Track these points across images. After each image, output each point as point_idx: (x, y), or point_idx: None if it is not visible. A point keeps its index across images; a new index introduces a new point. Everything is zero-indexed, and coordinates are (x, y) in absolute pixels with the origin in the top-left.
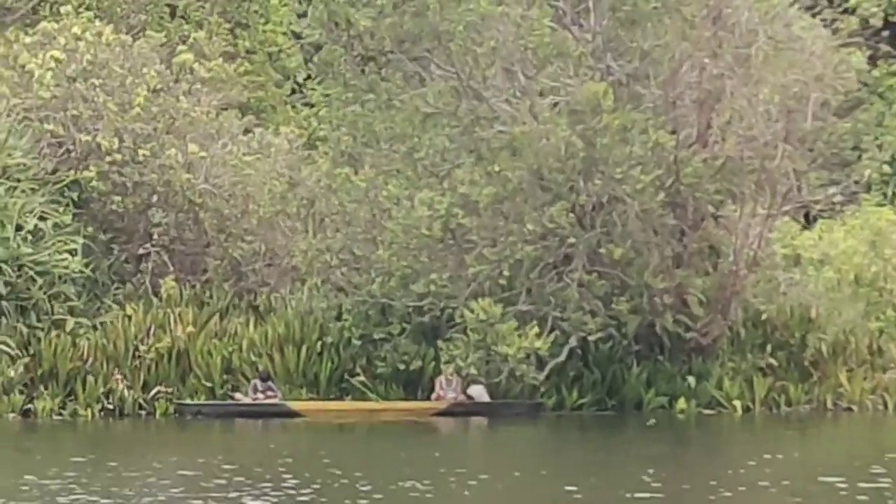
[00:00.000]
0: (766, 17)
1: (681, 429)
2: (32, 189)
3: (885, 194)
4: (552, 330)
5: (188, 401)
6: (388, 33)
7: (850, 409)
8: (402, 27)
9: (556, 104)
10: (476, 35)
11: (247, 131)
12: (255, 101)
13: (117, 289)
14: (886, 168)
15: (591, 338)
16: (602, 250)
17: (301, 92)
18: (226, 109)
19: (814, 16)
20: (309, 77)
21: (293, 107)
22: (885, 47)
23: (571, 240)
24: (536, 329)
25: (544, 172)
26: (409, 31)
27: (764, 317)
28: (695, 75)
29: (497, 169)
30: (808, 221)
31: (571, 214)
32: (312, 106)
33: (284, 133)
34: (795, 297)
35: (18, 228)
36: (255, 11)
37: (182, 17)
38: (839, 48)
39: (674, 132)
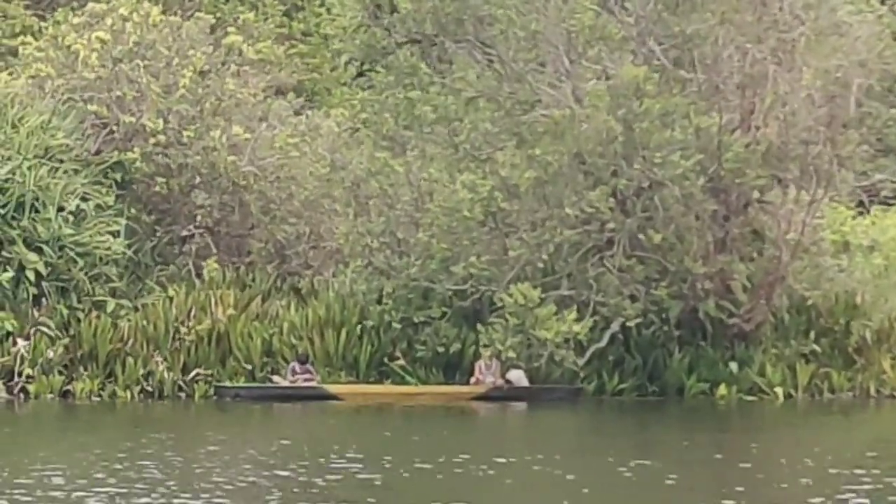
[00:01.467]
0: (810, 2)
1: (720, 415)
2: (75, 170)
3: None
4: (592, 315)
5: (227, 383)
6: (429, 16)
7: (893, 396)
8: (443, 10)
9: (597, 88)
10: (518, 18)
11: (297, 114)
12: (310, 83)
13: (160, 271)
14: None
15: (630, 323)
16: (642, 236)
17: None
18: (278, 93)
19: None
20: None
21: (350, 89)
22: None
23: (611, 224)
24: (575, 314)
25: (585, 157)
26: (451, 15)
27: (809, 303)
28: (738, 60)
29: (538, 153)
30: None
31: (612, 199)
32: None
33: (333, 116)
34: (842, 283)
35: (60, 209)
36: None
37: None
38: (883, 32)
39: (718, 117)
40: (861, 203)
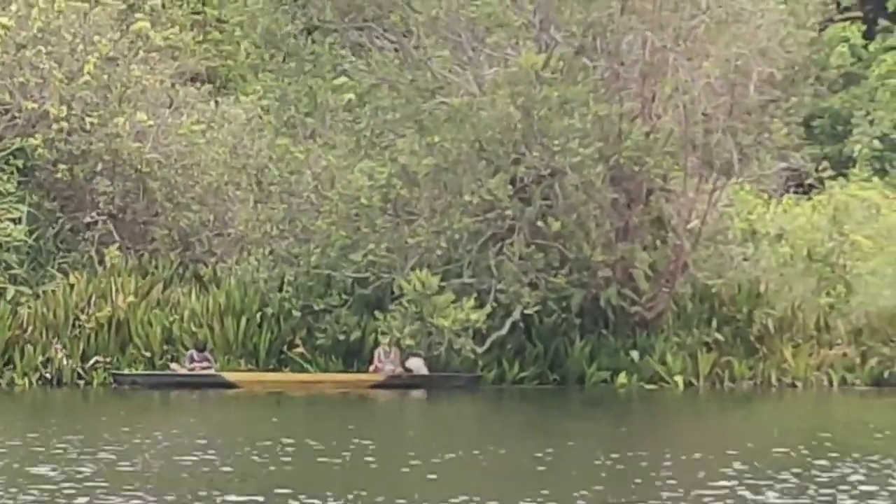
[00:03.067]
0: None
1: (619, 403)
2: None
3: (875, 169)
4: (493, 303)
5: (125, 371)
6: (330, 3)
7: (794, 385)
8: None
9: (497, 76)
10: (416, 4)
11: (208, 101)
12: (224, 69)
13: (62, 258)
14: (877, 143)
15: (528, 311)
16: (541, 223)
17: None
18: (193, 80)
19: None
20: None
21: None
22: (885, 22)
23: (508, 212)
24: (473, 302)
25: (484, 144)
26: (352, 1)
27: (713, 291)
28: (637, 48)
29: (437, 140)
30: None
31: (511, 187)
32: None
33: (242, 103)
34: (747, 271)
35: None
36: None
37: None
38: (785, 20)
39: (617, 105)
40: (775, 191)
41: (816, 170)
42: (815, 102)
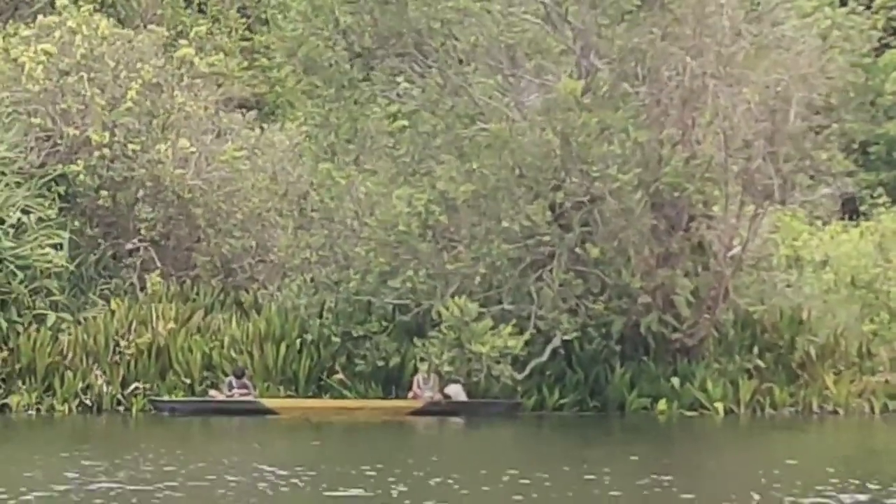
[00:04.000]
0: (750, 16)
1: (659, 430)
2: (17, 183)
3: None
4: (532, 330)
5: (165, 397)
6: (369, 29)
7: (835, 412)
8: (383, 24)
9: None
10: (457, 31)
11: (254, 128)
12: (272, 96)
13: (104, 284)
14: None
15: (567, 337)
16: (580, 250)
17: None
18: (241, 106)
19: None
20: None
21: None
22: None
23: (546, 238)
24: (510, 328)
25: (524, 170)
26: (392, 28)
27: (756, 317)
28: (677, 74)
29: (475, 166)
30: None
31: (550, 213)
32: None
33: (286, 129)
34: (790, 298)
35: (0, 222)
36: (274, 7)
37: (200, 10)
38: (836, 46)
39: (655, 131)
40: (829, 217)
41: (871, 196)
42: (871, 129)
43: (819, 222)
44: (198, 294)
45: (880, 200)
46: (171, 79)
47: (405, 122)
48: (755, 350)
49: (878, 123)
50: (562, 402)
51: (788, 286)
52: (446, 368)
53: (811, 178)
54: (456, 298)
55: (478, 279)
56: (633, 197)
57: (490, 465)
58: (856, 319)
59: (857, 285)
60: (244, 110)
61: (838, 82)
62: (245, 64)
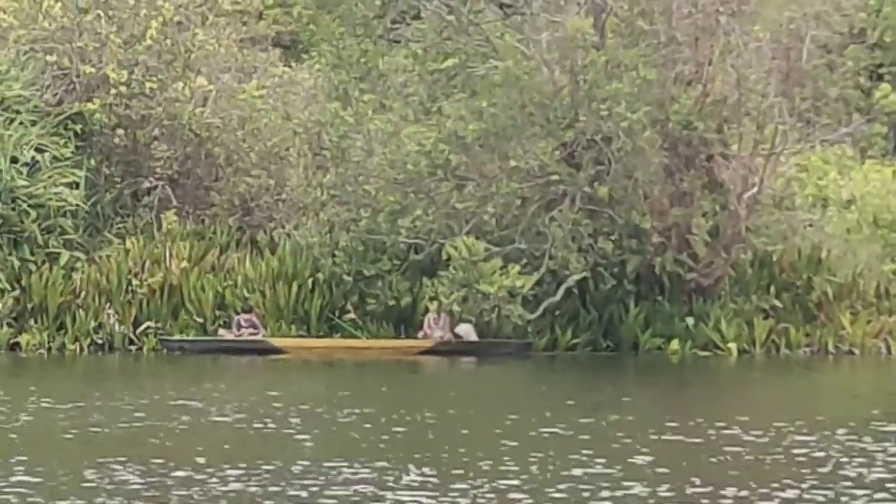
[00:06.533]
0: None
1: (670, 370)
2: (32, 121)
3: None
4: (545, 270)
5: (175, 336)
6: None
7: (851, 352)
8: None
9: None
10: None
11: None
12: (307, 34)
13: (121, 223)
14: None
15: (575, 277)
16: (589, 189)
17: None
18: (274, 45)
19: None
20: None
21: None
22: None
23: (555, 177)
24: (518, 268)
25: (533, 109)
26: None
27: (774, 258)
28: (688, 12)
29: (484, 105)
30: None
31: (560, 152)
32: None
33: (308, 68)
34: (811, 238)
35: (14, 161)
36: None
37: None
38: None
39: (665, 69)
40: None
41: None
42: None
43: (854, 161)
44: (214, 233)
45: None
46: (193, 17)
47: (416, 60)
48: (772, 290)
49: None
50: (574, 342)
51: (810, 226)
52: (455, 308)
53: (829, 117)
54: (464, 238)
55: (491, 219)
56: (643, 135)
57: (492, 405)
58: (876, 259)
59: (879, 224)
60: (276, 49)
61: (854, 20)
62: (270, 2)
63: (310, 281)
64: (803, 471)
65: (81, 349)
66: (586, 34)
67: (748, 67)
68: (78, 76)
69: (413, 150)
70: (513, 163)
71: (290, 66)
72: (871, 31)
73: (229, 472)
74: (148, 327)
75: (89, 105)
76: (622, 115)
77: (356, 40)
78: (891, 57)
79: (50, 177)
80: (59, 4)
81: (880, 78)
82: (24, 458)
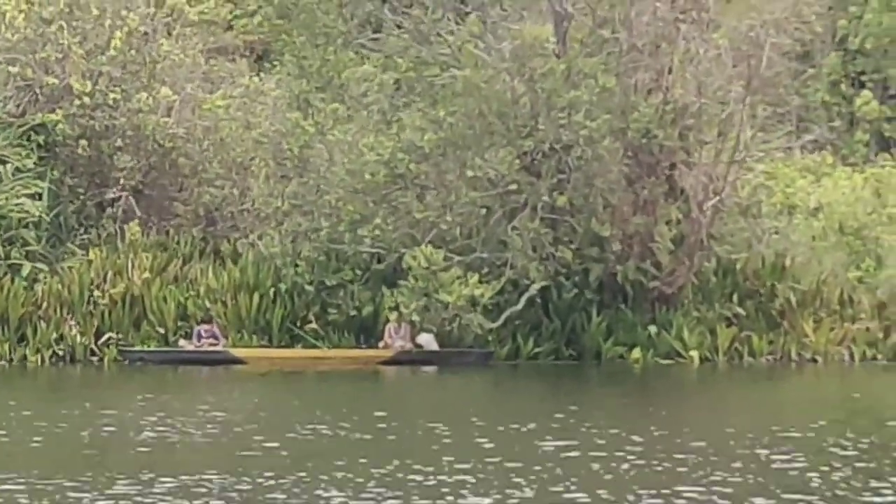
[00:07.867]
0: None
1: (632, 379)
2: None
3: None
4: (504, 278)
5: (136, 347)
6: None
7: (814, 360)
8: None
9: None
10: None
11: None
12: (278, 45)
13: (84, 234)
14: None
15: (536, 286)
16: (546, 198)
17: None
18: (242, 55)
19: None
20: None
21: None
22: None
23: (513, 186)
24: (477, 277)
25: (491, 118)
26: None
27: (738, 266)
28: (646, 20)
29: (442, 114)
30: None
31: (517, 161)
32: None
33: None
34: (774, 246)
35: None
36: None
37: None
38: None
39: (624, 78)
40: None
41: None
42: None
43: (833, 168)
44: (178, 243)
45: None
46: (159, 27)
47: (376, 70)
48: (735, 298)
49: None
50: (537, 350)
51: (776, 233)
52: (415, 318)
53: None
54: (423, 247)
55: (452, 228)
56: (603, 144)
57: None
58: (841, 266)
59: (844, 231)
60: (246, 58)
61: (815, 27)
62: (239, 12)
63: (272, 291)
64: (758, 479)
65: (42, 361)
66: (546, 42)
67: (709, 75)
68: (41, 87)
69: (372, 159)
70: (470, 172)
71: (259, 77)
72: (853, 37)
73: (169, 485)
74: (109, 338)
75: (52, 116)
76: (581, 124)
77: (317, 50)
78: (872, 64)
79: (12, 188)
80: (23, 15)
81: (862, 85)
82: None
